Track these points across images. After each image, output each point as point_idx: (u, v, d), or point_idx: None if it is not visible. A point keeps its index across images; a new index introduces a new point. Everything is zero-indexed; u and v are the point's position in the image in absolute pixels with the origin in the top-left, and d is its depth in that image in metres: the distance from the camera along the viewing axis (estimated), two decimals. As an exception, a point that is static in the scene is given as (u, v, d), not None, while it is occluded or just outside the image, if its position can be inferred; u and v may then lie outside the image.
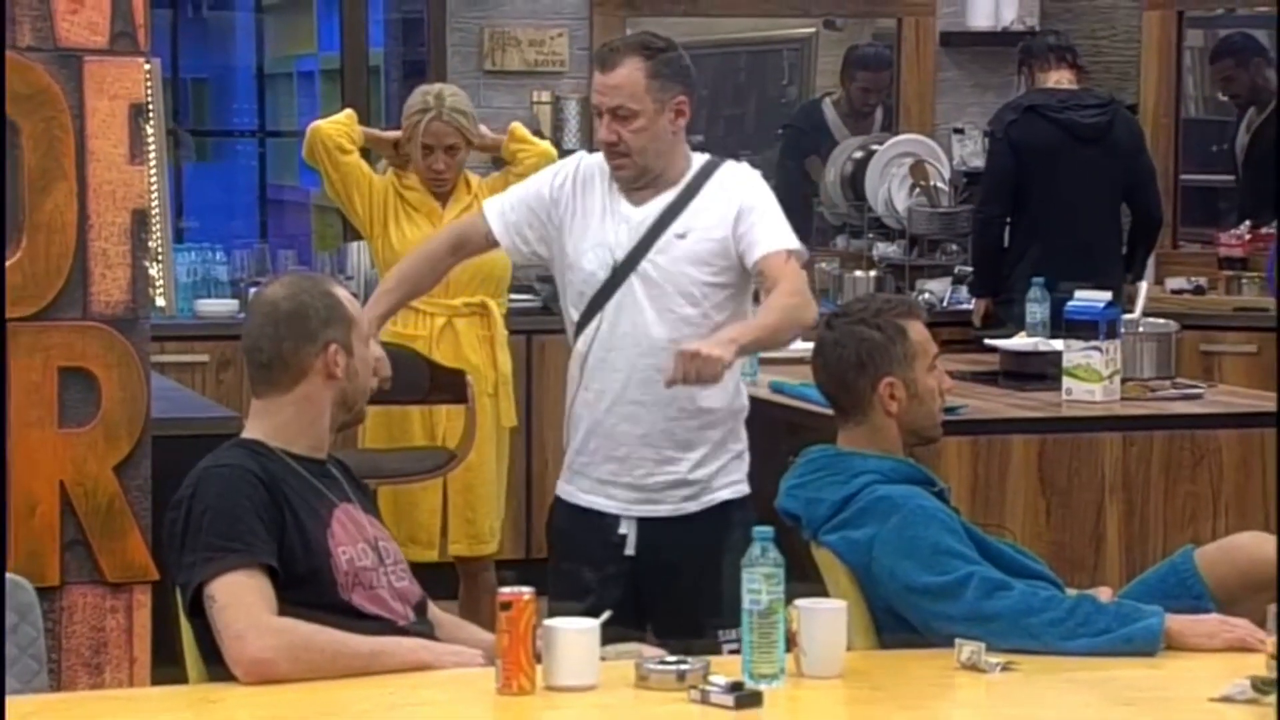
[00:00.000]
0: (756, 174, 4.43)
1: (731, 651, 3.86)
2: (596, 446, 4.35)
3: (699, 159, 4.39)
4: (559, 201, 4.38)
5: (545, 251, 4.44)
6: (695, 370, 4.04)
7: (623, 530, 4.34)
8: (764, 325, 4.21)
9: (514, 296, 7.50)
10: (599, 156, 4.40)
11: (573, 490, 4.42)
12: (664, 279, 4.28)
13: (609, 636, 3.39)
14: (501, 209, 4.44)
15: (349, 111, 6.05)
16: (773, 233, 4.30)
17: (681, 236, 4.29)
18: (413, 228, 5.86)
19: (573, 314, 4.39)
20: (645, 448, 4.31)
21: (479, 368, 5.83)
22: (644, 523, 4.33)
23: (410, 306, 5.50)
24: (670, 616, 4.25)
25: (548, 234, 4.39)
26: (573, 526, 4.43)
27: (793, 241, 4.34)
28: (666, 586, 4.30)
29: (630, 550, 4.32)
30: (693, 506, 4.33)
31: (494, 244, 4.46)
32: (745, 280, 4.34)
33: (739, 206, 4.30)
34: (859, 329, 3.90)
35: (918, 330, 3.99)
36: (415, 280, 4.58)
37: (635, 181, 4.31)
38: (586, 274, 4.33)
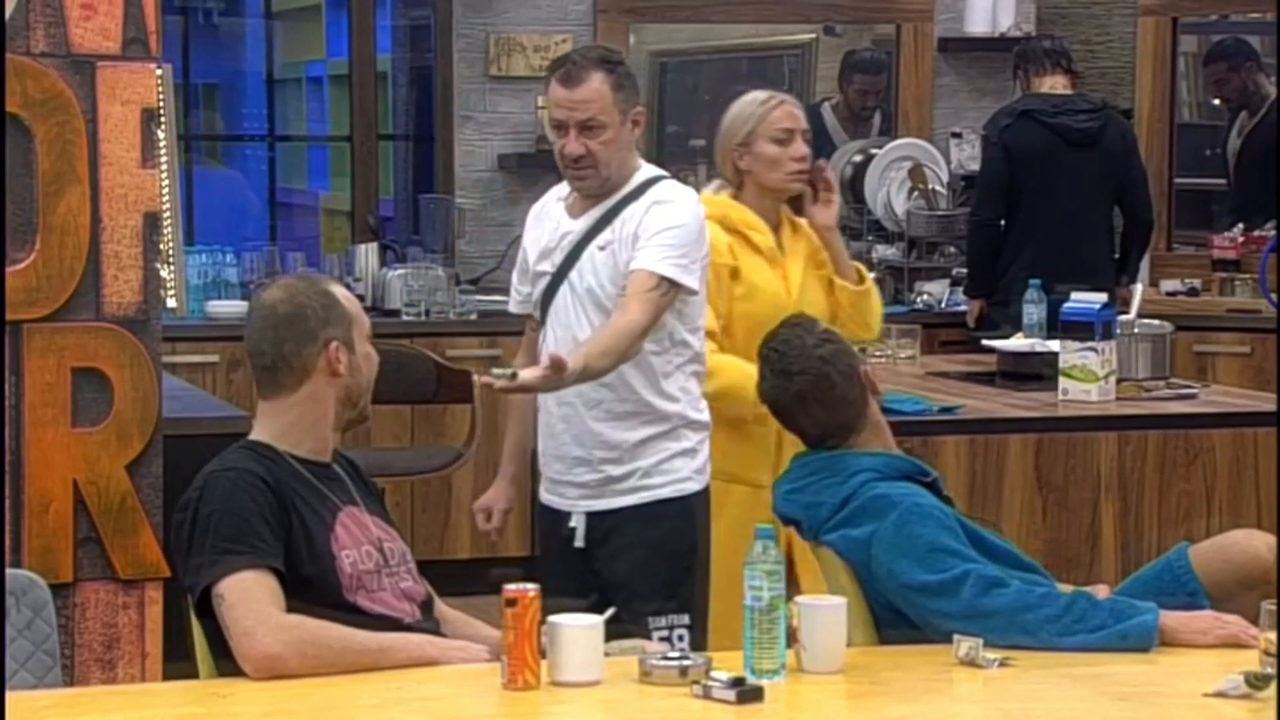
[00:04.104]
0: (688, 195, 4.40)
1: (661, 639, 4.02)
2: (545, 446, 4.46)
3: (645, 172, 4.42)
4: (526, 243, 4.52)
5: None
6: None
7: (573, 524, 4.41)
8: (587, 363, 4.10)
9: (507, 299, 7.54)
10: (554, 190, 4.49)
11: (540, 489, 4.53)
12: (584, 290, 4.35)
13: (613, 633, 3.41)
14: (516, 292, 4.58)
15: None
16: (655, 253, 4.26)
17: (602, 249, 4.34)
18: (758, 269, 4.89)
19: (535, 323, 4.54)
20: (578, 447, 4.38)
21: None
22: (591, 516, 4.40)
23: None
24: (612, 604, 4.29)
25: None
26: (540, 524, 4.54)
27: (670, 270, 4.25)
28: (609, 576, 4.35)
29: (579, 543, 4.39)
30: (631, 500, 4.36)
31: (538, 322, 4.50)
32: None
33: (648, 223, 4.29)
34: (820, 352, 3.91)
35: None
36: (527, 415, 4.58)
37: (597, 191, 4.36)
38: (536, 285, 4.45)
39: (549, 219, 4.47)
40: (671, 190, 4.39)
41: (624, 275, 4.29)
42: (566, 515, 4.42)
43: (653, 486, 4.37)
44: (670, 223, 4.30)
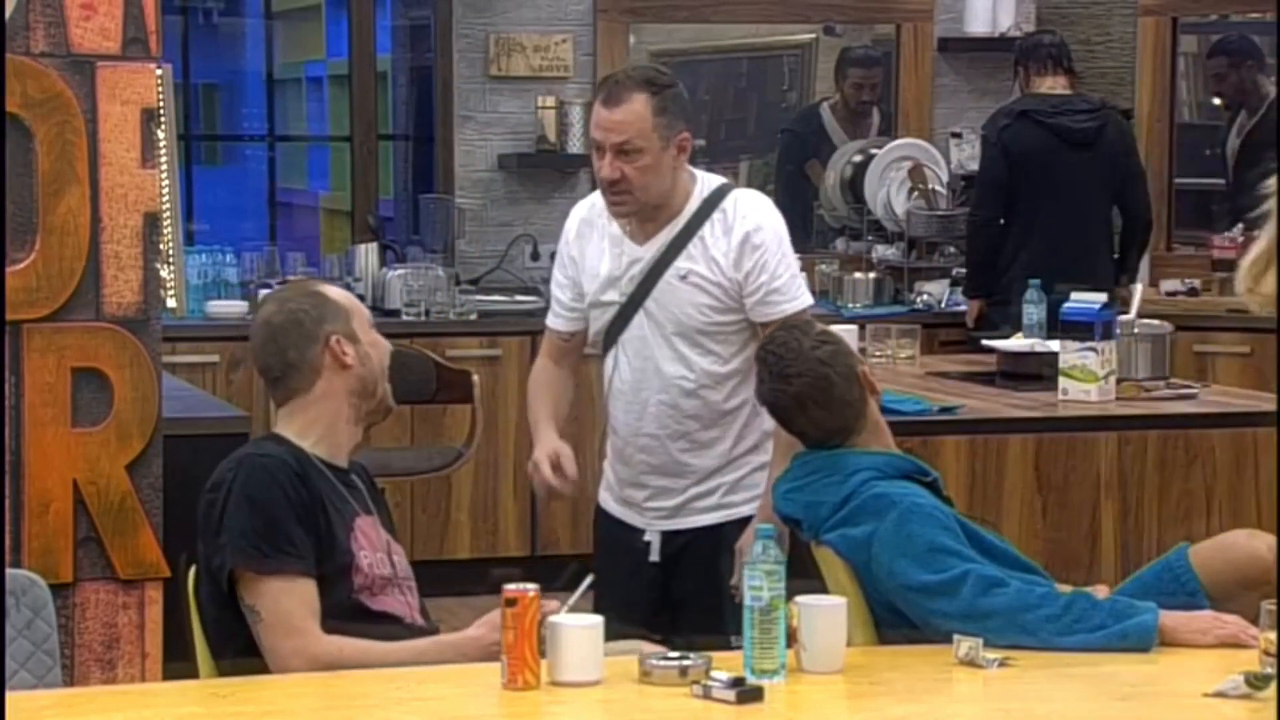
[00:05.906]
0: (765, 205, 4.32)
1: None
2: (618, 469, 4.40)
3: (707, 185, 4.30)
4: (571, 260, 4.41)
5: None
6: None
7: (647, 539, 4.37)
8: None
9: (519, 298, 7.57)
10: (590, 199, 4.40)
11: (608, 499, 4.47)
12: (668, 319, 4.26)
13: (610, 634, 3.39)
14: (555, 306, 4.49)
15: None
16: (784, 295, 4.23)
17: (683, 278, 4.25)
18: None
19: (596, 346, 4.44)
20: (661, 477, 4.34)
21: None
22: (667, 535, 4.36)
23: None
24: (692, 620, 4.26)
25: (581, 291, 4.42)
26: (607, 534, 4.48)
27: (800, 295, 4.26)
28: (688, 591, 4.33)
29: (655, 557, 4.36)
30: (710, 519, 4.33)
31: (578, 339, 4.45)
32: None
33: (744, 251, 4.23)
34: (818, 354, 3.90)
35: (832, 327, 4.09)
36: (560, 400, 4.46)
37: (634, 214, 4.27)
38: (601, 312, 4.35)
39: (608, 241, 4.33)
40: (749, 211, 4.27)
41: (717, 307, 4.21)
42: (640, 531, 4.38)
43: (733, 505, 4.33)
44: (775, 253, 4.24)
